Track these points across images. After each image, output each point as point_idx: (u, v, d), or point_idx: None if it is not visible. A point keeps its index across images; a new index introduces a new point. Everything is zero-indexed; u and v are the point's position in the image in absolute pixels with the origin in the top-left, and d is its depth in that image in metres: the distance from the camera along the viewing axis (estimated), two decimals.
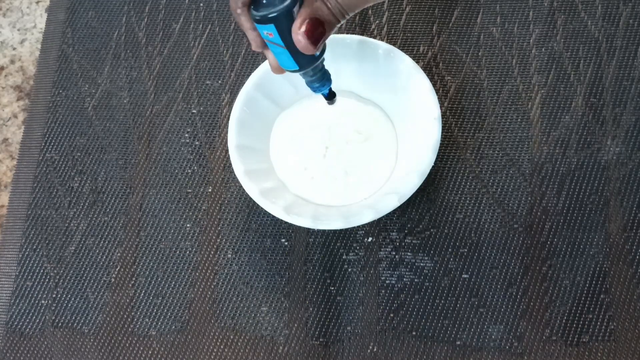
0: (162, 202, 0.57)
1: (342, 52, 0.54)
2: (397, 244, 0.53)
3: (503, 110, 0.56)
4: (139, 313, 0.54)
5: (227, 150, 0.57)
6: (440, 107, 0.55)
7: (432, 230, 0.53)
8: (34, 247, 0.57)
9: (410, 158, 0.52)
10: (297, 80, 0.55)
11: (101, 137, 0.59)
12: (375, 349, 0.51)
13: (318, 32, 0.41)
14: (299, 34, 0.40)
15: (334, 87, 0.56)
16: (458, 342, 0.51)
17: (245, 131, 0.53)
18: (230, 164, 0.56)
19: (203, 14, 0.62)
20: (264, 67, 0.54)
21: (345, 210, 0.51)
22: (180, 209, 0.56)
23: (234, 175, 0.57)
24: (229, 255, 0.55)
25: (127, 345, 0.53)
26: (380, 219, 0.54)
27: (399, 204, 0.49)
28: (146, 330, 0.54)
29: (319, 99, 0.56)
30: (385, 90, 0.54)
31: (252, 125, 0.54)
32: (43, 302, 0.55)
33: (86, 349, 0.54)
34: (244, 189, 0.56)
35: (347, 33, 0.59)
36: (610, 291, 0.50)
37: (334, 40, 0.53)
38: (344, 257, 0.54)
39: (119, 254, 0.56)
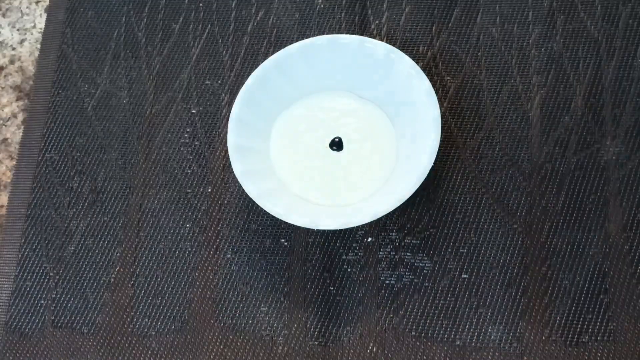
0: (162, 202, 0.57)
1: (341, 52, 0.54)
2: (397, 244, 0.53)
3: (503, 110, 0.56)
4: (138, 313, 0.54)
5: (226, 151, 0.57)
6: (440, 107, 0.55)
7: (431, 230, 0.53)
8: (34, 247, 0.57)
9: (409, 158, 0.52)
10: (298, 79, 0.55)
11: (101, 137, 0.59)
12: (374, 349, 0.51)
13: None
14: None
15: (334, 86, 0.56)
16: (457, 342, 0.51)
17: (245, 131, 0.53)
18: (230, 165, 0.56)
19: (203, 14, 0.62)
20: (265, 67, 0.54)
21: (344, 210, 0.51)
22: (179, 209, 0.56)
23: (234, 175, 0.57)
24: (229, 256, 0.55)
25: (127, 345, 0.53)
26: (379, 219, 0.54)
27: (398, 205, 0.49)
28: (145, 330, 0.54)
29: (320, 98, 0.56)
30: (385, 90, 0.54)
31: (252, 124, 0.54)
32: (42, 302, 0.55)
33: (85, 349, 0.54)
34: (243, 189, 0.56)
35: (347, 33, 0.59)
36: (610, 291, 0.50)
37: (333, 40, 0.53)
38: (344, 257, 0.54)
39: (118, 254, 0.56)
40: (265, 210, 0.55)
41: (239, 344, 0.53)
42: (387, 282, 0.53)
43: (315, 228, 0.49)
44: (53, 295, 0.55)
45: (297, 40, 0.59)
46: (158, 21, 0.63)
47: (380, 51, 0.53)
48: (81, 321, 0.55)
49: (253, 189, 0.51)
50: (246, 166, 0.52)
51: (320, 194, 0.53)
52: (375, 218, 0.48)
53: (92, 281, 0.55)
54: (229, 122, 0.52)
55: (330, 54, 0.54)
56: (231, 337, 0.53)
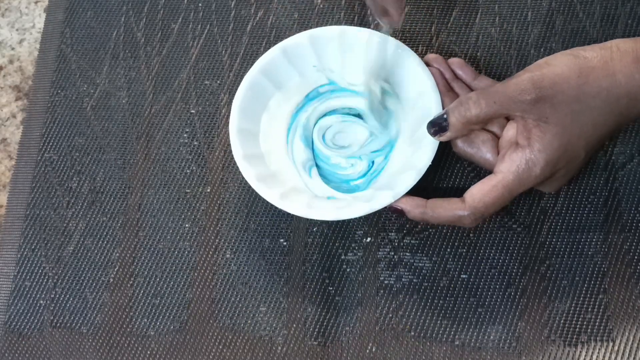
0: (161, 202, 0.57)
1: (350, 43, 0.54)
2: (396, 244, 0.53)
3: None
4: (137, 313, 0.54)
5: (225, 151, 0.57)
6: None
7: (430, 230, 0.53)
8: (33, 247, 0.57)
9: (409, 154, 0.52)
10: (304, 67, 0.55)
11: (100, 137, 0.59)
12: (373, 349, 0.51)
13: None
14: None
15: (339, 77, 0.56)
16: (457, 342, 0.51)
17: (248, 115, 0.53)
18: (229, 164, 0.56)
19: (202, 14, 0.62)
20: (271, 54, 0.54)
21: (339, 202, 0.51)
22: (178, 209, 0.56)
23: (233, 175, 0.57)
24: (228, 255, 0.55)
25: (126, 345, 0.53)
26: (378, 219, 0.54)
27: (393, 201, 0.49)
28: (145, 330, 0.54)
29: (323, 89, 0.56)
30: (390, 84, 0.54)
31: (255, 110, 0.54)
32: (41, 302, 0.55)
33: (85, 349, 0.54)
34: (242, 189, 0.56)
35: None
36: (609, 291, 0.50)
37: (343, 32, 0.53)
38: (343, 257, 0.54)
39: (117, 254, 0.56)
40: (264, 210, 0.55)
41: (237, 344, 0.53)
42: (386, 282, 0.53)
43: (309, 217, 0.49)
44: (52, 295, 0.55)
45: None
46: (157, 21, 0.63)
47: (389, 46, 0.53)
48: (80, 321, 0.55)
49: (251, 172, 0.51)
50: (246, 150, 0.52)
51: (317, 186, 0.53)
52: (369, 212, 0.48)
53: (91, 281, 0.55)
54: (232, 106, 0.53)
55: (338, 45, 0.54)
56: (230, 337, 0.53)
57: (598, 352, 0.49)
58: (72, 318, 0.55)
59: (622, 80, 0.44)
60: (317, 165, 0.54)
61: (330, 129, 0.55)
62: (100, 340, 0.54)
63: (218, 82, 0.60)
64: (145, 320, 0.54)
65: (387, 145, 0.53)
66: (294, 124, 0.55)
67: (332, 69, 0.55)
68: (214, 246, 0.55)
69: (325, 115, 0.55)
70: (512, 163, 0.46)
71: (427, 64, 0.53)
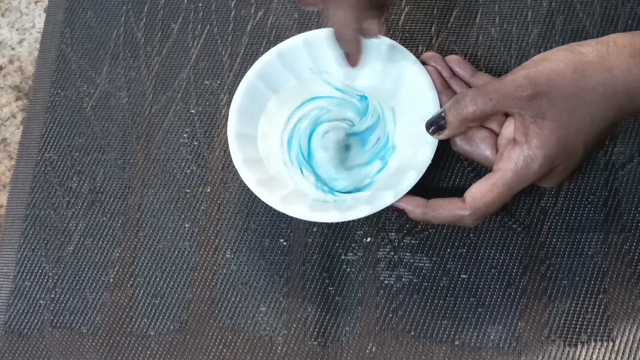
0: (161, 202, 0.57)
1: None
2: (396, 244, 0.53)
3: None
4: (137, 313, 0.54)
5: (225, 151, 0.57)
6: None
7: (430, 230, 0.53)
8: (33, 247, 0.57)
9: (408, 154, 0.52)
10: (299, 70, 0.55)
11: (100, 137, 0.59)
12: (373, 349, 0.51)
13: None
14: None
15: (335, 79, 0.56)
16: (457, 342, 0.51)
17: (246, 120, 0.53)
18: (229, 164, 0.56)
19: (202, 14, 0.62)
20: (267, 57, 0.54)
21: (340, 204, 0.51)
22: (178, 209, 0.56)
23: (233, 175, 0.57)
24: (228, 255, 0.55)
25: (126, 345, 0.53)
26: (378, 219, 0.54)
27: (394, 200, 0.49)
28: (145, 330, 0.54)
29: (320, 90, 0.56)
30: (387, 84, 0.54)
31: (253, 114, 0.54)
32: (41, 302, 0.55)
33: (85, 349, 0.54)
34: (242, 189, 0.56)
35: None
36: (609, 291, 0.50)
37: None
38: (343, 257, 0.54)
39: (117, 254, 0.56)
40: (263, 210, 0.55)
41: (238, 344, 0.53)
42: (386, 282, 0.53)
43: (310, 220, 0.49)
44: (52, 295, 0.55)
45: None
46: (157, 21, 0.63)
47: (384, 46, 0.53)
48: (80, 321, 0.55)
49: (251, 177, 0.51)
50: (245, 155, 0.52)
51: (315, 187, 0.53)
52: (371, 213, 0.48)
53: (91, 281, 0.55)
54: (230, 110, 0.53)
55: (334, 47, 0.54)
56: (230, 337, 0.53)
57: (598, 352, 0.49)
58: (72, 318, 0.55)
59: (619, 75, 0.44)
60: (310, 164, 0.54)
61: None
62: (100, 340, 0.54)
63: (218, 82, 0.60)
64: (145, 320, 0.54)
65: (386, 145, 0.53)
66: (291, 127, 0.55)
67: (328, 71, 0.55)
68: (214, 246, 0.55)
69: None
70: (511, 160, 0.46)
71: (424, 63, 0.53)
